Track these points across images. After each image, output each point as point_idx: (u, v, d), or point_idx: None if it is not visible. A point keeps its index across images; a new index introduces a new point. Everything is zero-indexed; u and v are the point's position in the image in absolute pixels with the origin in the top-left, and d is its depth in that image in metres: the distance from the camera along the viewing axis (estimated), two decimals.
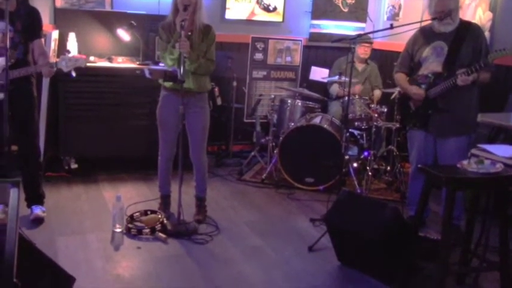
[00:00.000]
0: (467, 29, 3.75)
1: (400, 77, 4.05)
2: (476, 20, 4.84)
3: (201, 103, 3.90)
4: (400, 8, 6.02)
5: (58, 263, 2.74)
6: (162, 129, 3.94)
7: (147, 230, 3.71)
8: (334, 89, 5.61)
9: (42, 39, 3.78)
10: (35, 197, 3.88)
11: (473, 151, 3.28)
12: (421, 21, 4.41)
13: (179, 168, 3.72)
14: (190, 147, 3.97)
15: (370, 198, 4.21)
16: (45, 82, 4.58)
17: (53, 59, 4.56)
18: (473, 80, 3.59)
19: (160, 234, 3.69)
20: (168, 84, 3.81)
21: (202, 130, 3.93)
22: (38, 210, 3.83)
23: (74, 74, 3.62)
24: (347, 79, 4.25)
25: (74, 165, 4.86)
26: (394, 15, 6.10)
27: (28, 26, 3.58)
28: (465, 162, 3.06)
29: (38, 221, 3.78)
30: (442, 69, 3.75)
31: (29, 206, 3.86)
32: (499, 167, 3.00)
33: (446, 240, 2.97)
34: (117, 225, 3.70)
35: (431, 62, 3.81)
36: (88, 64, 4.66)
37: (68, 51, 4.20)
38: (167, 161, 4.02)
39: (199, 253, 3.53)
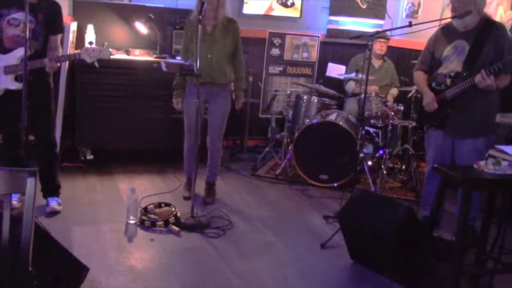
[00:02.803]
0: (491, 28, 3.64)
1: (419, 76, 3.99)
2: (497, 19, 4.78)
3: (224, 93, 4.07)
4: (419, 5, 5.96)
5: (72, 253, 2.78)
6: (185, 116, 4.12)
7: (161, 223, 3.73)
8: (350, 86, 5.58)
9: (60, 35, 3.79)
10: (51, 188, 3.92)
11: (491, 152, 3.24)
12: (440, 20, 4.37)
13: (195, 162, 3.76)
14: (208, 133, 4.15)
15: (384, 196, 4.19)
16: (63, 73, 4.62)
17: (70, 50, 4.61)
18: (490, 83, 3.49)
19: (174, 227, 3.71)
20: (190, 78, 3.93)
21: (221, 119, 4.10)
22: (54, 203, 3.86)
23: (97, 64, 3.65)
24: (363, 76, 4.22)
25: (89, 156, 4.89)
26: (413, 13, 6.05)
27: (50, 18, 3.60)
28: (482, 162, 3.03)
29: (53, 214, 3.82)
30: (462, 68, 3.68)
31: (45, 196, 3.90)
32: None
33: (461, 241, 2.94)
34: (131, 217, 3.72)
35: (452, 61, 3.75)
36: None
37: (91, 43, 4.24)
38: (191, 148, 4.08)
39: (211, 247, 3.54)
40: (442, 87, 3.77)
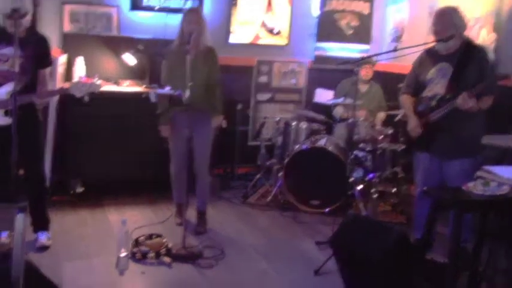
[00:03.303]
0: (472, 51, 3.72)
1: (405, 100, 4.04)
2: (480, 41, 4.86)
3: (207, 120, 4.14)
4: (403, 30, 6.06)
5: None
6: (171, 142, 4.20)
7: (152, 254, 3.70)
8: (338, 111, 5.61)
9: (49, 69, 3.81)
10: (40, 222, 3.88)
11: (479, 173, 3.26)
12: (424, 44, 4.44)
13: (184, 193, 3.76)
14: (194, 160, 4.19)
15: (376, 220, 4.19)
16: (53, 106, 4.62)
17: (60, 83, 4.62)
18: (472, 105, 3.53)
19: (165, 258, 3.68)
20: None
21: (206, 146, 4.17)
22: (43, 238, 3.82)
23: (87, 98, 3.65)
24: (352, 101, 4.26)
25: (79, 189, 4.86)
26: (398, 37, 6.14)
27: (38, 52, 3.62)
28: (471, 184, 3.05)
29: (43, 249, 3.78)
30: (446, 91, 3.74)
31: (35, 231, 3.86)
32: (505, 188, 2.99)
33: (454, 263, 2.94)
34: (122, 250, 3.68)
35: (436, 84, 3.81)
36: None
37: (80, 77, 4.26)
38: (177, 172, 4.18)
39: (204, 277, 3.51)
40: (427, 109, 3.82)
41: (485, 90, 3.54)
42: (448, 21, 3.71)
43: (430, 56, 3.90)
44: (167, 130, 4.15)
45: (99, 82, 3.70)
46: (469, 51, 3.72)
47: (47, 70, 3.75)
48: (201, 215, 4.32)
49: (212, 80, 4.11)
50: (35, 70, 3.64)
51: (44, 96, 3.57)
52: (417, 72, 3.96)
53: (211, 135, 4.22)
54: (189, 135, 4.06)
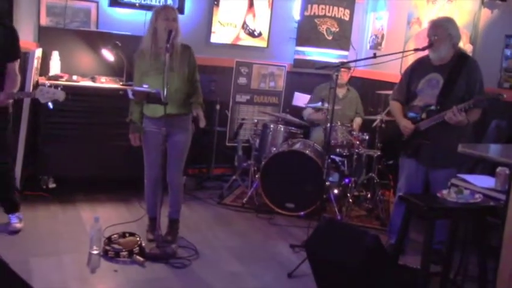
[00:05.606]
0: (464, 63, 3.75)
1: (394, 106, 4.08)
2: None
3: (184, 124, 3.90)
4: (382, 37, 6.13)
5: (32, 285, 2.68)
6: (145, 152, 3.93)
7: (125, 253, 3.65)
8: (307, 112, 5.62)
9: (18, 62, 3.70)
10: (8, 205, 3.90)
11: (453, 181, 3.31)
12: (403, 52, 4.49)
13: (159, 190, 3.71)
14: (167, 167, 3.93)
15: (351, 225, 4.21)
16: (26, 100, 4.53)
17: (35, 77, 4.53)
18: (462, 119, 3.57)
19: (138, 257, 3.63)
20: (148, 112, 3.82)
21: (181, 151, 3.93)
22: (15, 221, 3.82)
23: (51, 105, 3.60)
24: (328, 105, 4.28)
25: (52, 185, 4.78)
26: (376, 45, 6.21)
27: (6, 44, 3.52)
28: (445, 191, 3.10)
29: (15, 232, 3.80)
30: (436, 102, 3.76)
31: (7, 212, 3.90)
32: (478, 197, 3.04)
33: (426, 269, 2.98)
34: (94, 247, 3.62)
35: (426, 94, 3.82)
36: (71, 83, 4.64)
37: (47, 85, 4.16)
38: (153, 183, 3.92)
39: (177, 277, 3.48)
40: (417, 118, 3.85)
41: (474, 105, 3.59)
42: (443, 32, 3.74)
43: (422, 66, 3.91)
44: (137, 139, 3.89)
45: (75, 77, 3.64)
46: (461, 62, 3.75)
47: (16, 63, 3.65)
48: (173, 223, 4.05)
49: (192, 78, 3.88)
50: (3, 63, 3.54)
51: (9, 97, 3.51)
52: (408, 81, 3.97)
53: (189, 141, 3.95)
54: (164, 142, 3.80)
